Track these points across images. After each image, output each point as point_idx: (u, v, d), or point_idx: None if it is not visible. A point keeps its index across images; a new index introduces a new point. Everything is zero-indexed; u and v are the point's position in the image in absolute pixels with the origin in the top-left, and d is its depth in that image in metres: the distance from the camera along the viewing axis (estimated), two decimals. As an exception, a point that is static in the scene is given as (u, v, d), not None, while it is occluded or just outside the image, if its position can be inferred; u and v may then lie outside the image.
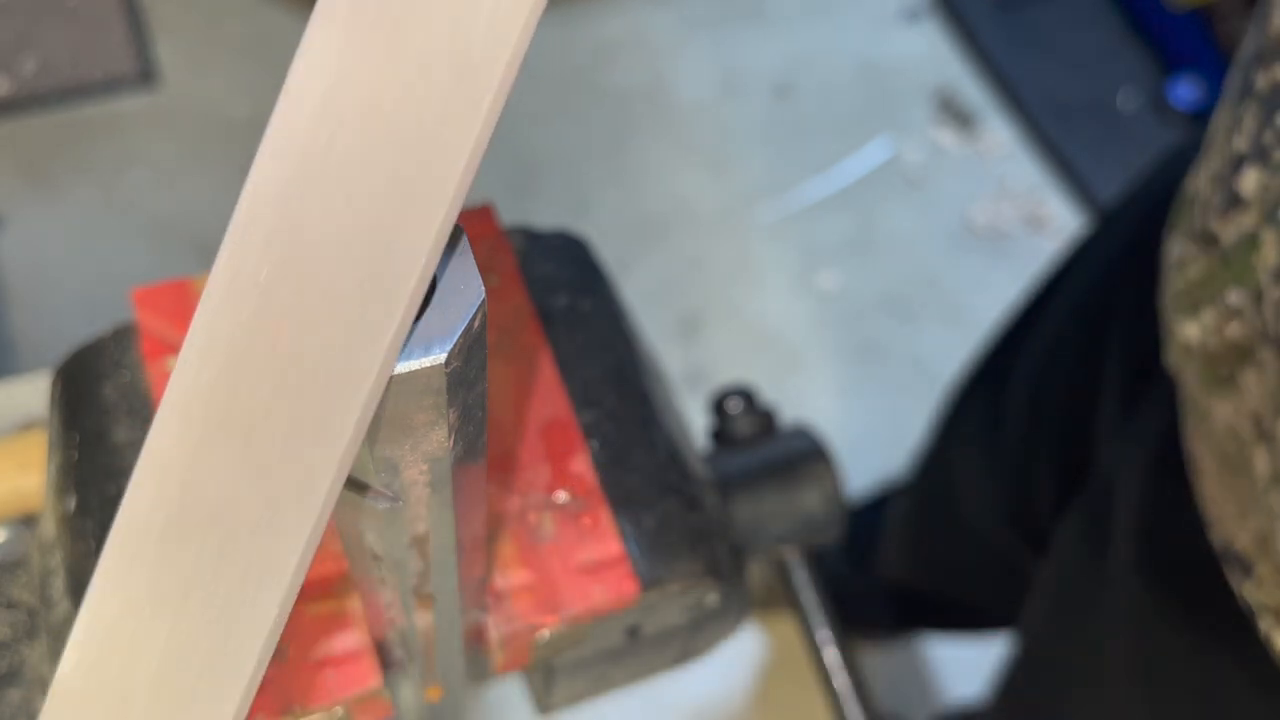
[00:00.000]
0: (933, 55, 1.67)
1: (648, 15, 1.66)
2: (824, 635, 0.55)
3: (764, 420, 0.50)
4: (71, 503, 0.33)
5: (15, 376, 0.56)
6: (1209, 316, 0.42)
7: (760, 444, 0.47)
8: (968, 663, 1.22)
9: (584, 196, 1.51)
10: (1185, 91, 1.60)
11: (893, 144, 1.59)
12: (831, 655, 0.55)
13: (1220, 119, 0.45)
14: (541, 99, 1.57)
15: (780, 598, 0.61)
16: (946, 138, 1.60)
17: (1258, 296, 0.39)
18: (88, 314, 1.29)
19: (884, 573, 1.05)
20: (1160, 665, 0.53)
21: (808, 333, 1.44)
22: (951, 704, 1.22)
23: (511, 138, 1.53)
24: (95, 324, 0.37)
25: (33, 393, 0.53)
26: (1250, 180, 0.40)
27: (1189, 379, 0.45)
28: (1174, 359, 0.46)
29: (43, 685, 0.33)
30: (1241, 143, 0.41)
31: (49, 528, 0.34)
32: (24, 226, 1.38)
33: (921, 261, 1.50)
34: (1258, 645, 0.43)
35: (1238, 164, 0.41)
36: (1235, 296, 0.41)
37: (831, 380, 1.41)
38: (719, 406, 0.50)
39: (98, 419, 0.34)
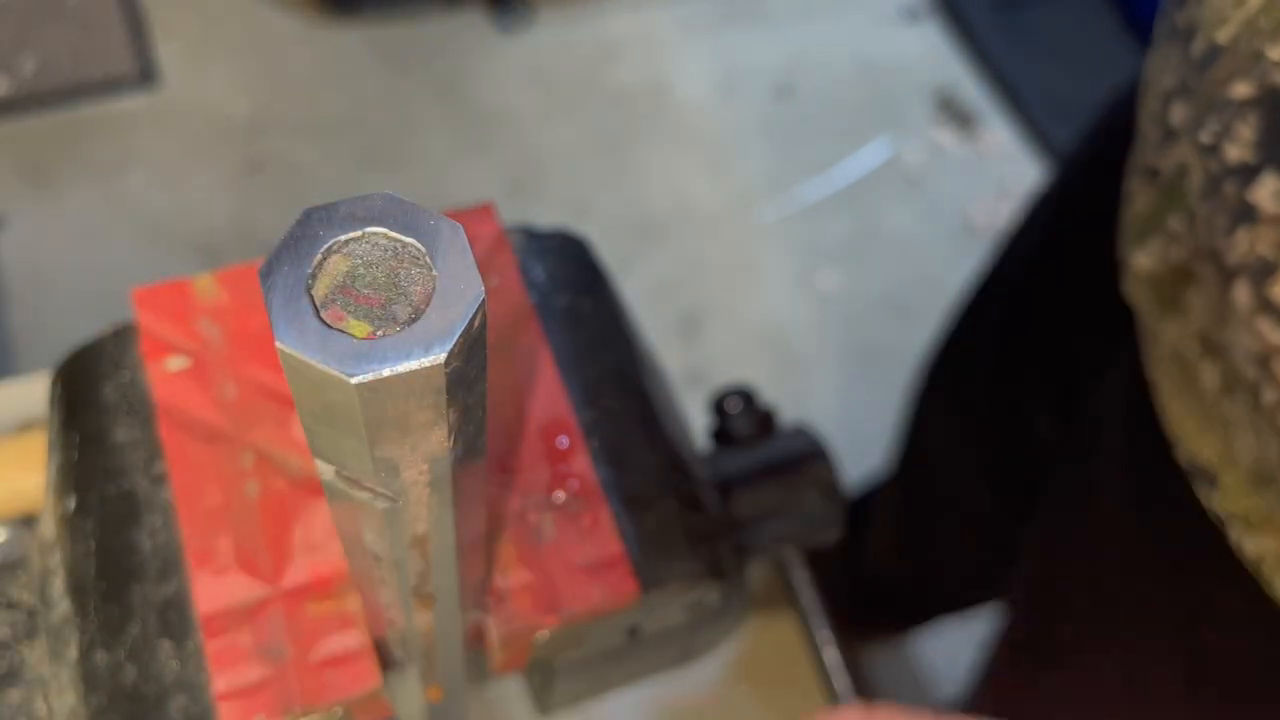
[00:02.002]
0: (933, 55, 1.67)
1: (648, 16, 1.66)
2: (824, 635, 0.55)
3: (764, 420, 0.50)
4: (71, 503, 0.33)
5: (15, 376, 0.56)
6: (1155, 244, 0.47)
7: (760, 444, 0.47)
8: (965, 662, 1.22)
9: (584, 196, 1.51)
10: (1185, 91, 1.60)
11: (893, 144, 1.59)
12: (831, 655, 0.55)
13: (1152, 61, 0.48)
14: (542, 99, 1.57)
15: (780, 598, 0.61)
16: (946, 138, 1.60)
17: (1192, 218, 0.43)
18: (88, 314, 1.29)
19: (873, 569, 1.05)
20: (1145, 600, 0.54)
21: (808, 333, 1.44)
22: (950, 704, 1.22)
23: (511, 138, 1.54)
24: (95, 324, 0.37)
25: (33, 393, 0.53)
26: (1176, 113, 0.44)
27: (1143, 306, 0.48)
28: (1130, 289, 0.50)
29: (43, 685, 0.33)
30: (1169, 80, 0.45)
31: (49, 528, 0.34)
32: (24, 226, 1.39)
33: (921, 261, 1.50)
34: (1232, 562, 0.45)
35: (1168, 100, 0.45)
36: (1175, 222, 0.45)
37: (831, 380, 1.41)
38: (719, 406, 0.50)
39: (98, 419, 0.34)
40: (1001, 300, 0.74)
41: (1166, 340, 0.47)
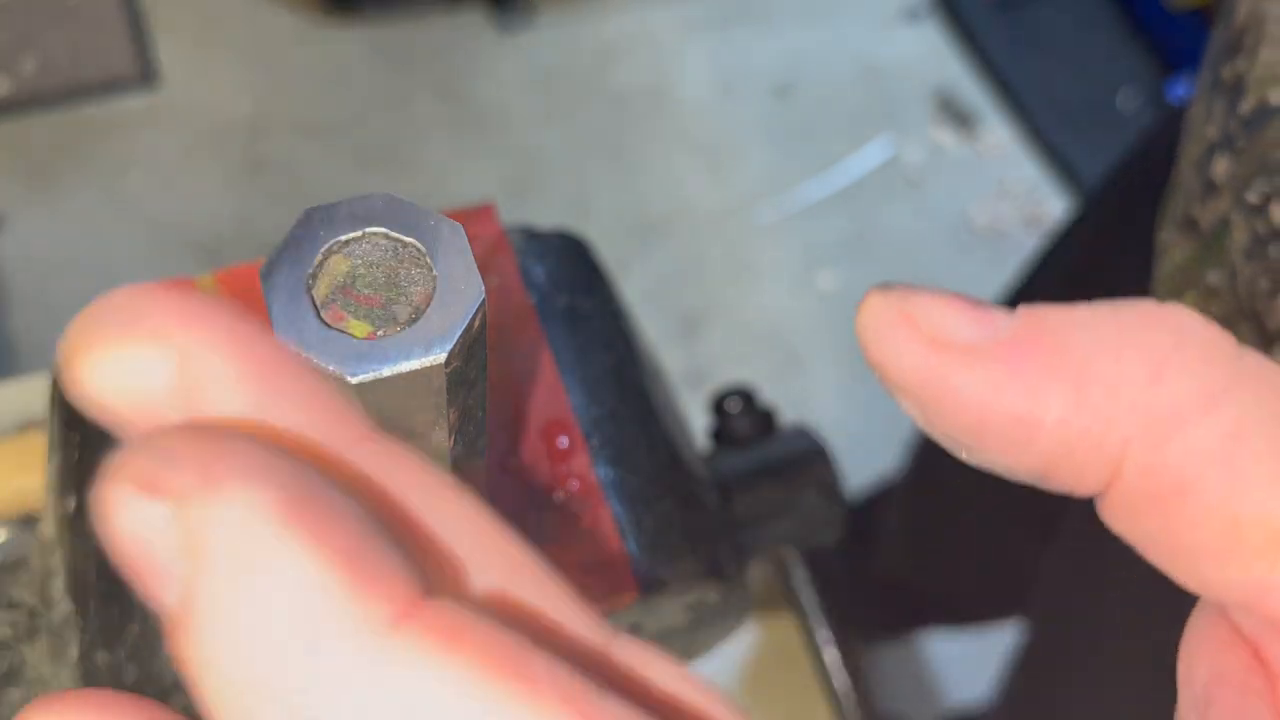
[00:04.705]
0: (933, 55, 1.67)
1: (648, 16, 1.66)
2: (824, 635, 0.55)
3: (764, 420, 0.50)
4: (71, 503, 0.33)
5: (15, 376, 0.56)
6: (1191, 299, 0.45)
7: (760, 444, 0.47)
8: (968, 663, 1.22)
9: (584, 196, 1.51)
10: (1185, 91, 1.60)
11: (893, 144, 1.59)
12: (831, 655, 0.55)
13: (1196, 110, 0.47)
14: (542, 99, 1.57)
15: (780, 598, 0.61)
16: (946, 138, 1.60)
17: (1233, 275, 0.41)
18: (88, 314, 1.29)
19: (880, 571, 1.05)
20: (1167, 650, 0.53)
21: (808, 333, 1.44)
22: (951, 704, 1.22)
23: (511, 138, 1.53)
24: (95, 324, 0.36)
25: (33, 393, 0.53)
26: (1221, 167, 0.43)
27: None
28: None
29: (43, 685, 0.33)
30: (1213, 132, 0.44)
31: (49, 528, 0.34)
32: (24, 226, 1.38)
33: (921, 261, 1.50)
34: None
35: (1210, 152, 0.44)
36: (1214, 277, 0.43)
37: (831, 380, 1.41)
38: (719, 406, 0.50)
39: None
40: None
41: None
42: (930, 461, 0.90)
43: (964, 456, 0.17)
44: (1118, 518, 0.16)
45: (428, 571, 0.12)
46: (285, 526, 0.11)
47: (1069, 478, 0.16)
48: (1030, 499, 0.74)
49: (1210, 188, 0.44)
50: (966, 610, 1.04)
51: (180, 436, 0.12)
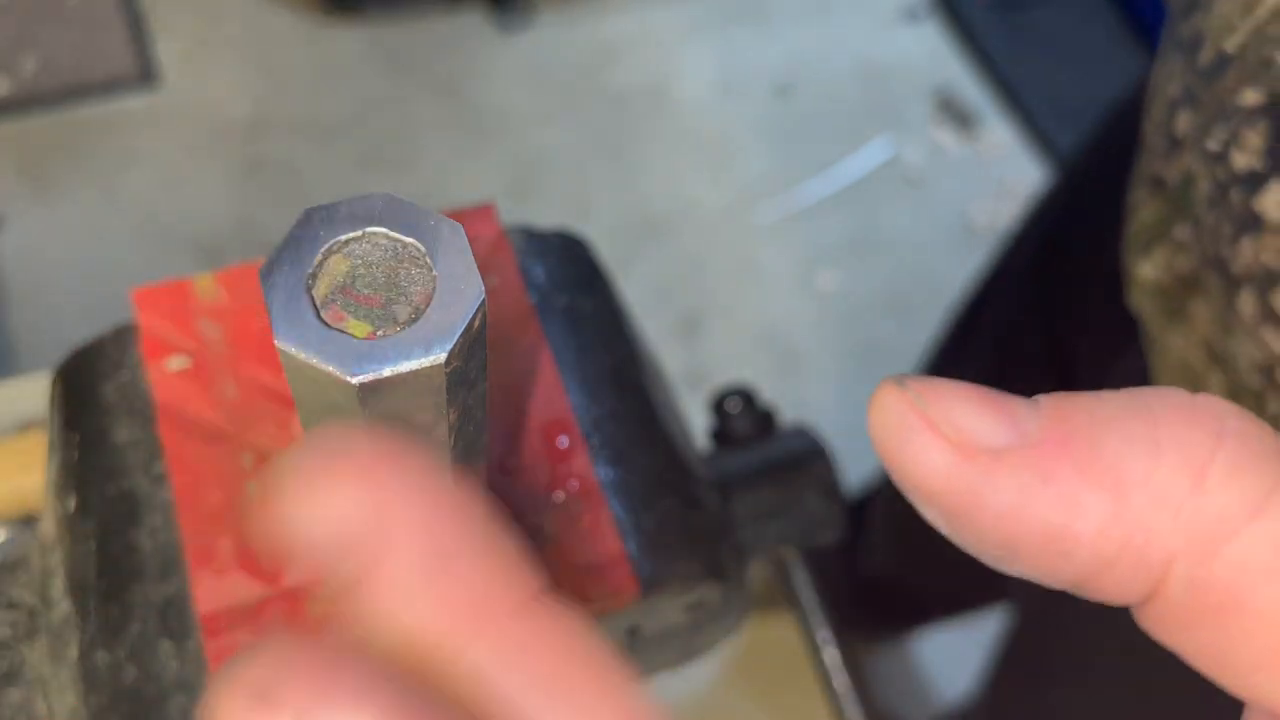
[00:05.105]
0: (933, 55, 1.67)
1: (648, 15, 1.66)
2: (824, 635, 0.55)
3: (764, 420, 0.50)
4: (71, 503, 0.33)
5: (15, 376, 0.56)
6: (1160, 254, 0.47)
7: (760, 444, 0.47)
8: (967, 663, 1.22)
9: (584, 196, 1.51)
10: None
11: (893, 144, 1.59)
12: (831, 655, 0.55)
13: (1159, 72, 0.48)
14: (542, 99, 1.57)
15: (780, 598, 0.61)
16: (946, 138, 1.60)
17: (1198, 226, 0.43)
18: (88, 314, 1.29)
19: (873, 569, 1.05)
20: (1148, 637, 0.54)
21: (808, 333, 1.44)
22: (950, 704, 1.22)
23: (511, 138, 1.53)
24: (95, 324, 0.37)
25: (33, 393, 0.53)
26: (1183, 122, 0.44)
27: (1149, 317, 0.48)
28: (1135, 299, 0.50)
29: (43, 685, 0.33)
30: (1174, 89, 0.45)
31: (49, 528, 0.34)
32: (24, 226, 1.38)
33: (921, 261, 1.50)
34: None
35: (1173, 109, 0.45)
36: (1180, 231, 0.45)
37: (831, 380, 1.41)
38: (719, 406, 0.50)
39: (98, 419, 0.34)
40: (1001, 304, 0.74)
41: (1173, 350, 0.46)
42: None
43: (995, 566, 0.16)
44: (1162, 629, 0.15)
45: None
46: None
47: (1108, 590, 0.15)
48: None
49: (1174, 144, 0.44)
50: (953, 602, 1.04)
51: (293, 650, 0.13)
